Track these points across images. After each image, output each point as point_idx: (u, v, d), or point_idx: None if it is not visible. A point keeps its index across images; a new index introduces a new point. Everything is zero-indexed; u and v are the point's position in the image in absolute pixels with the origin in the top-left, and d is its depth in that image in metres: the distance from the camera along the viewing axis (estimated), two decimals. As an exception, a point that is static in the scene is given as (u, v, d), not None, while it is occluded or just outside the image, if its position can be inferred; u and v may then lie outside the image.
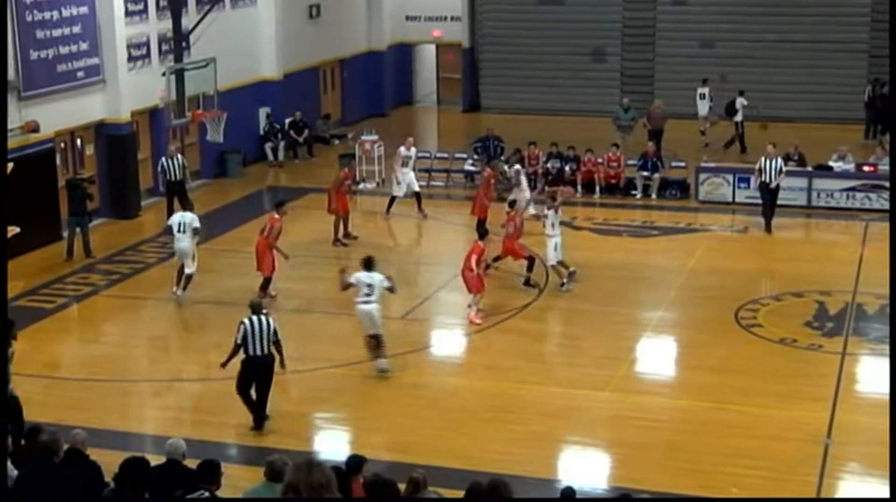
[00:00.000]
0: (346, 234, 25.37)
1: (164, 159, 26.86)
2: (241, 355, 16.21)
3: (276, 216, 21.91)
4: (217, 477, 11.07)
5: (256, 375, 16.23)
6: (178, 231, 21.63)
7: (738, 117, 33.23)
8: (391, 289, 18.41)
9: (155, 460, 11.86)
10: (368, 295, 17.93)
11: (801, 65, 36.45)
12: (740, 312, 20.85)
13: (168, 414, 17.43)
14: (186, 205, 22.77)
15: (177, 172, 26.53)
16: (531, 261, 22.26)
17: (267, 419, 16.44)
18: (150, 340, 21.04)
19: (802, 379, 18.03)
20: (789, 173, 27.26)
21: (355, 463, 11.89)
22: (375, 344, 18.21)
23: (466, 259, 20.37)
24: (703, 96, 34.36)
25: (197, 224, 21.75)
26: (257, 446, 15.95)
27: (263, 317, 16.22)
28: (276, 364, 16.41)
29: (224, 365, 16.38)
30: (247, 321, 16.14)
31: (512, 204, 23.08)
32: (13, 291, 22.47)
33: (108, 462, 11.56)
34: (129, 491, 10.52)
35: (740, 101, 33.19)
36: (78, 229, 24.46)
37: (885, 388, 16.92)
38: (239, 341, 16.13)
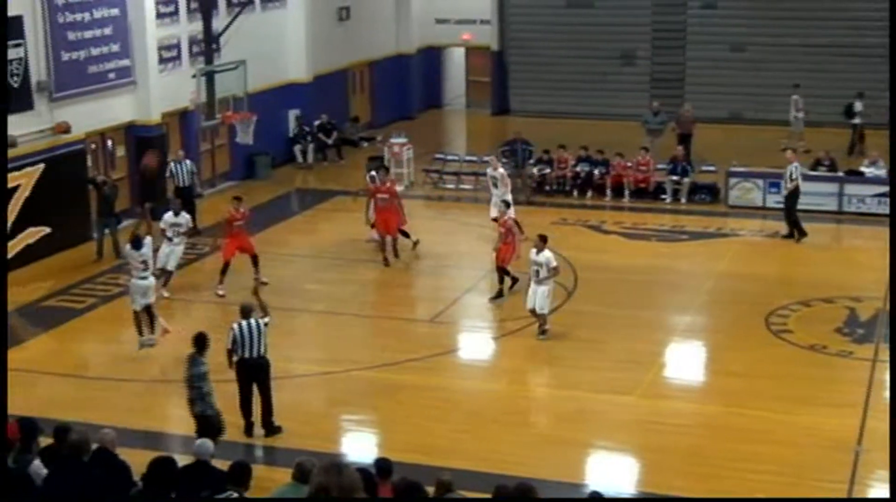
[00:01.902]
0: (384, 259, 23.93)
1: (172, 164, 26.51)
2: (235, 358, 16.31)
3: (233, 211, 22.64)
4: (247, 479, 11.07)
5: (251, 377, 16.24)
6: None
7: (857, 120, 32.96)
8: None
9: (183, 460, 11.90)
10: (145, 270, 19.31)
11: (831, 69, 36.23)
12: (770, 317, 20.74)
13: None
14: (175, 206, 22.93)
15: (184, 178, 26.26)
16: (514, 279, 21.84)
17: (279, 431, 16.37)
18: (179, 340, 21.04)
19: (832, 385, 17.93)
20: (821, 178, 27.27)
21: (384, 466, 11.89)
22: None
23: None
24: (794, 103, 33.75)
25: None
26: (285, 447, 15.97)
27: (254, 321, 16.22)
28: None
29: (231, 366, 16.42)
30: (235, 326, 16.20)
31: (508, 205, 23.19)
32: (42, 291, 22.66)
33: (137, 461, 11.59)
34: (157, 491, 10.55)
35: (859, 104, 32.91)
36: (106, 230, 24.58)
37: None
38: (229, 346, 16.22)
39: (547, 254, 19.75)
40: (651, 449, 16.06)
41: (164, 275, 21.92)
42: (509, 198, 24.87)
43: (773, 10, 37.16)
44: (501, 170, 25.90)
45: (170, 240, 22.19)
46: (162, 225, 22.38)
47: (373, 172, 25.21)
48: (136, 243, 19.35)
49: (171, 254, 22.22)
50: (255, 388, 16.32)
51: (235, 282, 22.05)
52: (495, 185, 25.52)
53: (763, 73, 36.85)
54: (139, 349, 19.10)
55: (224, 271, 22.28)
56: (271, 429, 16.38)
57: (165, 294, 21.74)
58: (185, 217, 22.67)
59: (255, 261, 22.53)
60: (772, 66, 36.87)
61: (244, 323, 16.20)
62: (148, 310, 19.25)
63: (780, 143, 32.20)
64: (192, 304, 22.39)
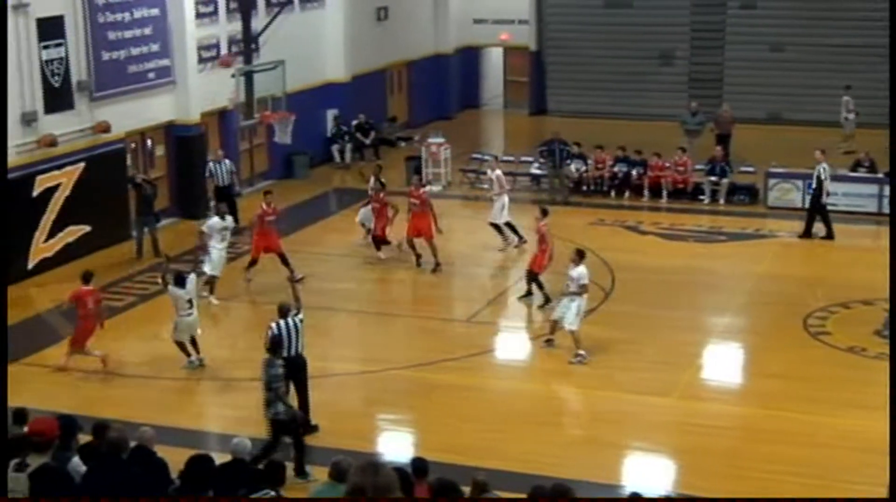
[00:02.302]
0: (417, 256, 23.89)
1: (211, 163, 26.67)
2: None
3: (265, 207, 22.78)
4: (281, 477, 11.14)
5: (288, 376, 16.11)
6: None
7: None
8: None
9: (220, 458, 11.96)
10: (190, 307, 18.61)
11: (870, 69, 35.93)
12: (809, 319, 20.63)
13: (233, 412, 17.55)
14: (222, 210, 23.04)
15: (224, 177, 26.43)
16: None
17: (316, 430, 16.32)
18: (216, 339, 21.18)
19: (871, 388, 17.77)
20: (860, 179, 27.12)
21: (420, 466, 11.91)
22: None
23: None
24: (845, 104, 33.45)
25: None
26: (321, 446, 16.01)
27: (291, 320, 16.30)
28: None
29: None
30: (274, 325, 16.25)
31: (545, 212, 22.09)
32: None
33: (174, 459, 11.67)
34: (194, 489, 10.61)
35: None
36: (145, 229, 24.73)
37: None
38: (268, 345, 16.15)
39: (581, 270, 18.98)
40: (688, 450, 16.03)
41: (209, 278, 21.95)
42: (505, 200, 24.62)
43: (812, 10, 36.88)
44: (498, 171, 25.42)
45: (202, 248, 22.21)
46: (206, 229, 22.37)
47: (372, 182, 25.11)
48: (181, 281, 18.74)
49: (219, 258, 22.23)
50: (292, 387, 16.36)
51: (269, 283, 22.14)
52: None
53: (802, 73, 36.61)
54: (182, 368, 18.87)
55: (251, 266, 22.64)
56: (308, 428, 16.41)
57: (215, 302, 21.86)
58: (229, 219, 22.82)
59: (283, 260, 22.57)
60: (811, 67, 36.62)
61: (282, 322, 16.28)
62: (193, 340, 19.03)
63: (838, 147, 31.88)
64: (229, 304, 22.47)
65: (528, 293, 21.73)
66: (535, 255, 21.79)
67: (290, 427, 15.11)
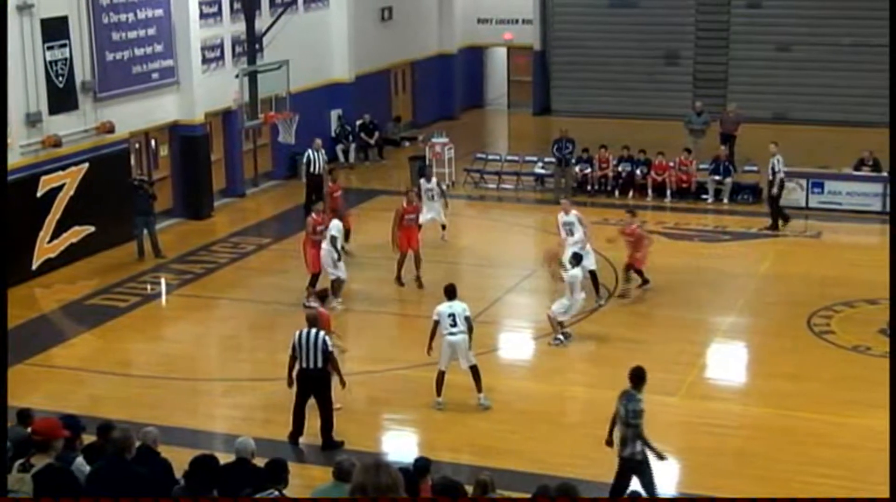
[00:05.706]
0: (417, 278, 22.85)
1: (310, 151, 27.25)
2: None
3: (315, 216, 22.02)
4: (284, 476, 11.12)
5: (307, 389, 16.06)
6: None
7: None
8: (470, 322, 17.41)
9: (224, 458, 11.95)
10: (453, 325, 17.24)
11: (878, 69, 35.89)
12: (813, 319, 20.60)
13: (237, 412, 17.56)
14: (320, 198, 23.33)
15: (319, 166, 27.07)
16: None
17: (339, 446, 15.94)
18: (220, 339, 21.22)
19: (876, 386, 17.71)
20: (864, 178, 27.06)
21: (422, 464, 11.91)
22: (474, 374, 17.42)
23: None
24: None
25: (334, 232, 21.51)
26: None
27: (314, 331, 15.98)
28: (337, 382, 16.17)
29: (289, 382, 16.20)
30: (296, 334, 16.05)
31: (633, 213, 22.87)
32: (87, 290, 22.85)
33: (179, 459, 11.67)
34: (199, 489, 10.61)
35: None
36: (145, 229, 24.71)
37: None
38: (290, 352, 16.08)
39: None
40: (697, 450, 15.99)
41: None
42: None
43: (817, 9, 36.86)
44: (574, 212, 22.87)
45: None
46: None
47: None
48: (451, 293, 17.67)
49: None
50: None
51: (281, 285, 22.12)
52: None
53: (808, 72, 36.57)
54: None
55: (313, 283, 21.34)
56: (329, 444, 16.06)
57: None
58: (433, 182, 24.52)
59: (417, 261, 22.61)
60: (817, 66, 36.58)
61: (304, 331, 16.00)
62: (473, 369, 17.39)
63: None
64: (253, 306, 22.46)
65: (645, 282, 22.13)
66: (634, 254, 21.91)
67: (642, 469, 13.90)
